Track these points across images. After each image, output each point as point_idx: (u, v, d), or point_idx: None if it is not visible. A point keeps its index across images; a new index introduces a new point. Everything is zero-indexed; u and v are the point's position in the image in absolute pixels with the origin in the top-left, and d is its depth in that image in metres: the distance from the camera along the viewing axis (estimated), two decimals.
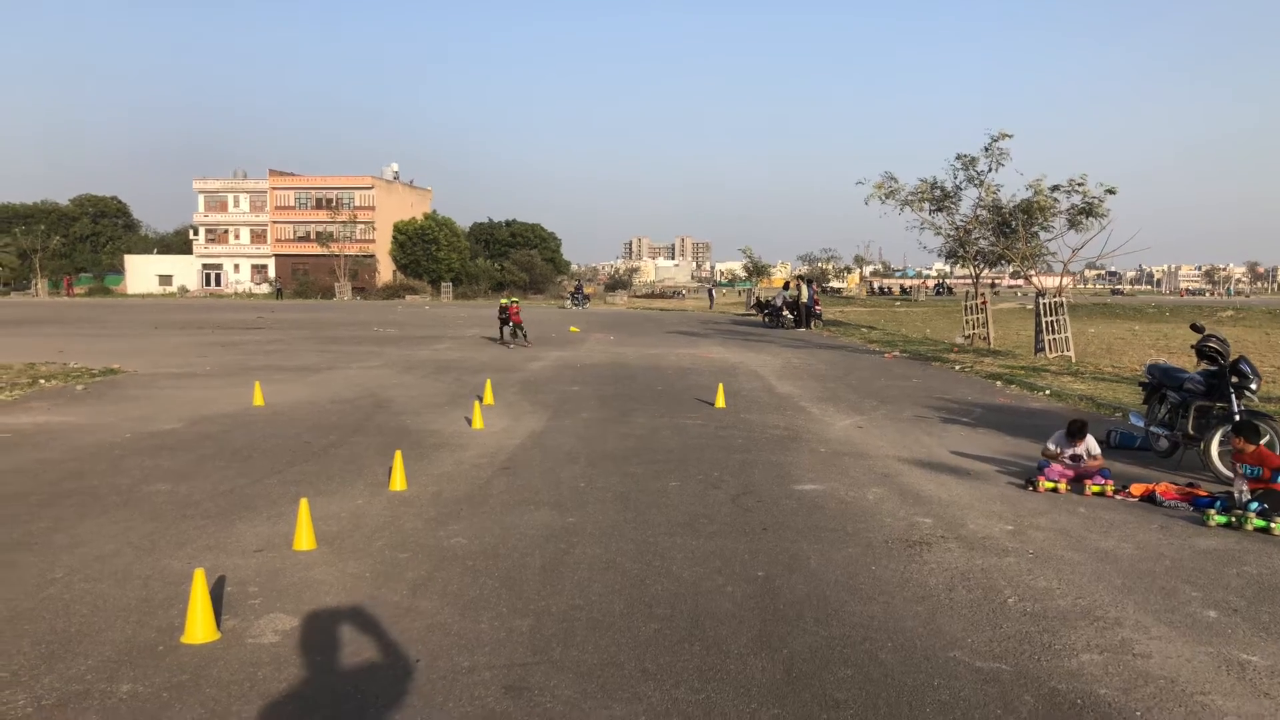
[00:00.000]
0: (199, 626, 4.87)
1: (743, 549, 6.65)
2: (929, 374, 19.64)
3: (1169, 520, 7.61)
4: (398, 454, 8.75)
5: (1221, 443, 8.95)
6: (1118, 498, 8.30)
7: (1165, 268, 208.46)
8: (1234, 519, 7.39)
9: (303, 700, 4.24)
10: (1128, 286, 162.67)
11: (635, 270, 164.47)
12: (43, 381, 15.93)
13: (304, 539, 6.54)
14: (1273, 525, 7.21)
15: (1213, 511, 7.53)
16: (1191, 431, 9.43)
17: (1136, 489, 8.34)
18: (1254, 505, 7.44)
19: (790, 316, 36.37)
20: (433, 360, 21.58)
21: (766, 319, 39.11)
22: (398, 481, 8.42)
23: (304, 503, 6.70)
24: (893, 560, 6.44)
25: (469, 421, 12.10)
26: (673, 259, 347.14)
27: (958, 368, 20.65)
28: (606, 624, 5.17)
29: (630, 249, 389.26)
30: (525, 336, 26.23)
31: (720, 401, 14.07)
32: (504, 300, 26.96)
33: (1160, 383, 10.29)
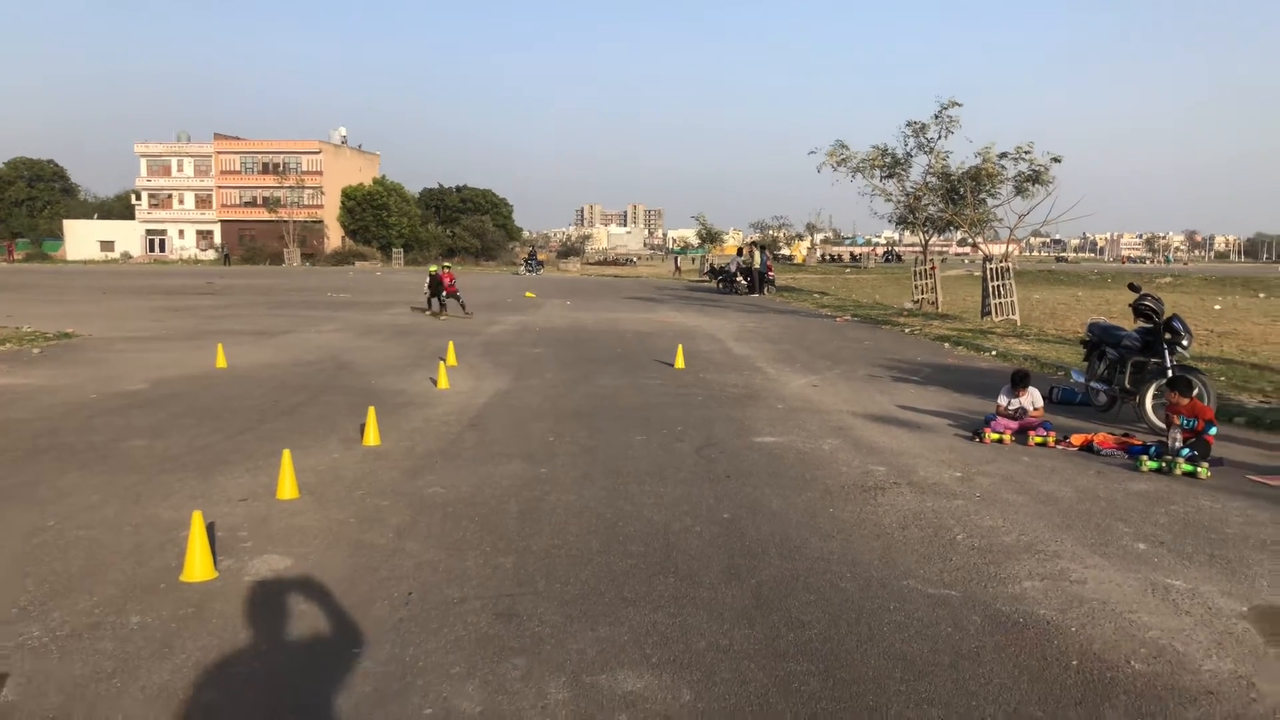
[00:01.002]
0: (197, 565, 5.11)
1: (708, 494, 7.01)
2: (880, 337, 20.18)
3: (1106, 467, 8.12)
4: (371, 410, 8.98)
5: (1155, 396, 9.49)
6: (1059, 448, 8.81)
7: (1108, 236, 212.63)
8: (1164, 465, 7.92)
9: (304, 630, 4.51)
10: (1071, 254, 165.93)
11: (588, 237, 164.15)
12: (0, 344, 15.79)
13: (287, 488, 6.77)
14: (1199, 470, 7.74)
15: (1145, 458, 8.05)
16: (1128, 386, 9.97)
17: (1076, 439, 8.85)
18: (1185, 452, 7.97)
19: (744, 282, 36.82)
20: (390, 325, 21.65)
21: (721, 285, 39.54)
22: (371, 436, 8.65)
23: (286, 454, 6.93)
24: (849, 503, 6.84)
25: (434, 382, 12.31)
26: (625, 226, 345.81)
27: (907, 331, 21.23)
28: (585, 560, 5.51)
29: (582, 215, 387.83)
30: (463, 306, 24.01)
31: (680, 362, 14.41)
32: (433, 268, 24.88)
33: (1100, 340, 10.82)
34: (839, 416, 10.32)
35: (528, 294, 34.50)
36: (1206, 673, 4.14)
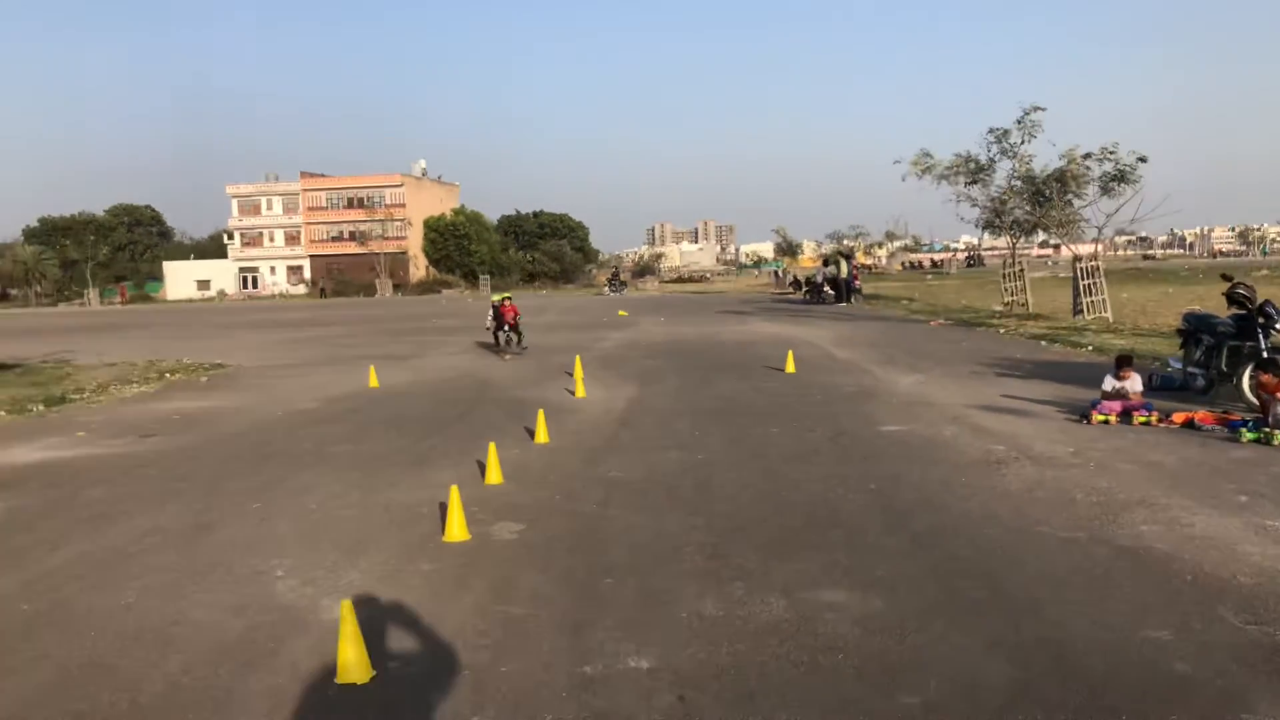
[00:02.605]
0: (456, 528, 6.38)
1: (852, 471, 8.07)
2: (975, 337, 20.92)
3: (1207, 439, 8.94)
4: (540, 412, 10.24)
5: (1252, 376, 10.22)
6: (1162, 426, 9.62)
7: (1198, 230, 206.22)
8: (1263, 435, 8.71)
9: (560, 569, 5.70)
10: (1160, 251, 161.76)
11: (660, 256, 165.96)
12: (169, 375, 17.59)
13: (493, 475, 8.04)
14: None
15: (1245, 430, 8.85)
16: (1224, 369, 10.73)
17: (1178, 417, 9.66)
18: None
19: (831, 292, 37.62)
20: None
21: (807, 295, 40.39)
22: (542, 435, 9.90)
23: (492, 446, 8.22)
24: (977, 474, 7.83)
25: (570, 392, 13.57)
26: (696, 243, 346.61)
27: (1002, 331, 21.91)
28: (763, 519, 6.63)
29: (653, 234, 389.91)
30: (520, 341, 20.52)
31: (790, 367, 15.44)
32: (496, 297, 21.53)
33: (1195, 329, 11.57)
34: (952, 408, 11.25)
35: (620, 312, 35.85)
36: None
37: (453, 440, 10.20)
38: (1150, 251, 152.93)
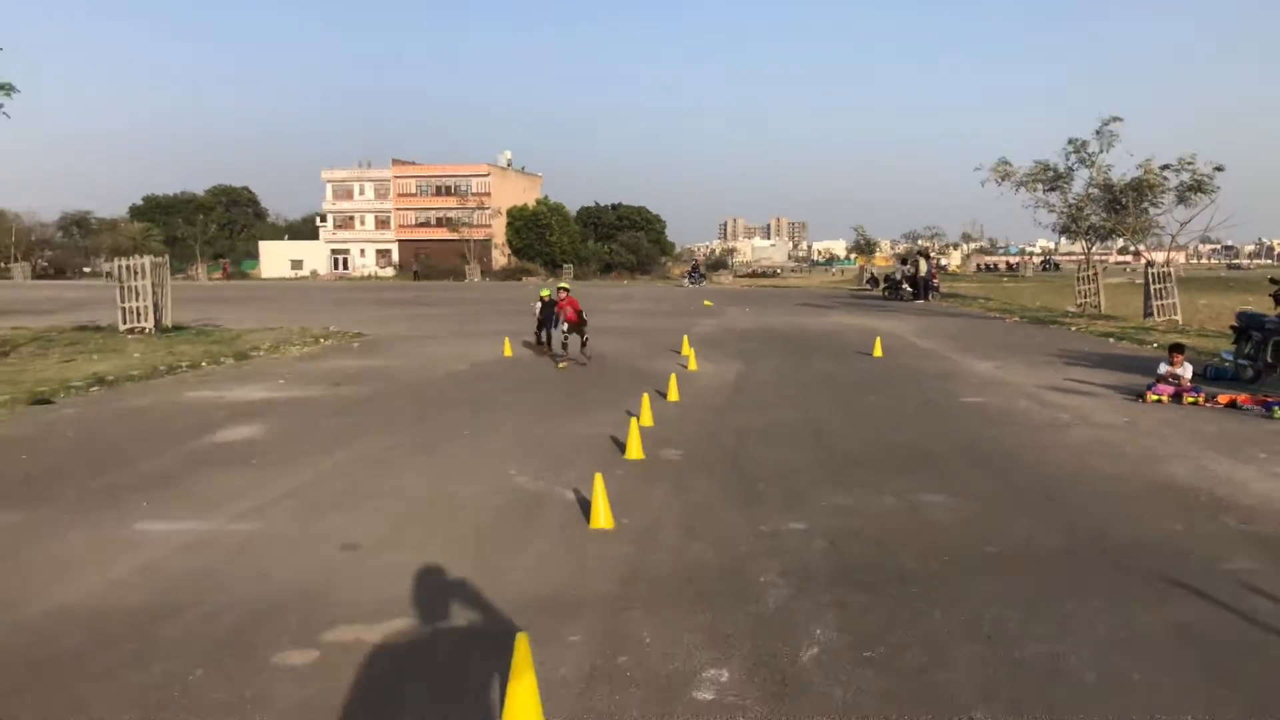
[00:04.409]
0: (635, 449, 8.36)
1: (939, 430, 9.87)
2: (1048, 334, 22.36)
3: (1245, 416, 10.53)
4: (673, 375, 12.19)
5: None
6: (1208, 405, 11.20)
7: None
8: None
9: (718, 476, 7.63)
10: (1247, 261, 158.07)
11: (732, 250, 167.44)
12: (322, 340, 19.97)
13: (646, 418, 10.00)
14: None
15: (1278, 409, 10.42)
16: (1270, 360, 12.23)
17: (1223, 398, 11.24)
18: None
19: (909, 290, 39.00)
20: (608, 327, 25.08)
21: (885, 292, 41.81)
22: (673, 394, 11.84)
23: (645, 396, 10.20)
24: (1045, 434, 9.56)
25: (684, 365, 15.49)
26: (768, 239, 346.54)
27: (1074, 329, 23.29)
28: (872, 457, 8.48)
29: (725, 229, 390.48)
30: (585, 347, 16.16)
31: (878, 351, 17.18)
32: (545, 291, 18.06)
33: (1247, 325, 13.06)
34: (1024, 387, 12.92)
35: (706, 302, 37.71)
36: None
37: (596, 396, 12.20)
38: (1236, 260, 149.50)
